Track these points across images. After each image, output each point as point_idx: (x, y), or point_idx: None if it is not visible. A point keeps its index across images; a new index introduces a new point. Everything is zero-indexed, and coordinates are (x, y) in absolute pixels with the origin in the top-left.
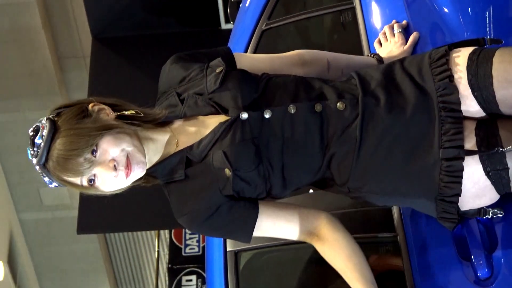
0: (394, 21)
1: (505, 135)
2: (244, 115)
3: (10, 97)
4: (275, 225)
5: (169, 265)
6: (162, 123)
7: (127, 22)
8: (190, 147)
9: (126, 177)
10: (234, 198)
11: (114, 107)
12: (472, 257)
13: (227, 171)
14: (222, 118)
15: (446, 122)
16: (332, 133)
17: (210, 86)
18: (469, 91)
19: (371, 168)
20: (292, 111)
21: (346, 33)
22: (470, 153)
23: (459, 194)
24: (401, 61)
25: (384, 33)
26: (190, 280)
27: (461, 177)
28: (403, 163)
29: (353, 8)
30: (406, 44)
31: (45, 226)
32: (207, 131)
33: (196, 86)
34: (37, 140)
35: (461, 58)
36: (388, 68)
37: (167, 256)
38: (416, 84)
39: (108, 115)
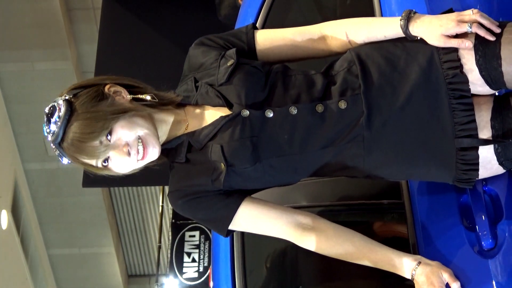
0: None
1: None
2: (246, 113)
3: (19, 47)
4: (261, 219)
5: (173, 220)
6: (178, 105)
7: None
8: (193, 133)
9: (142, 159)
10: (222, 191)
11: (129, 88)
12: (477, 227)
13: (222, 166)
14: (226, 111)
15: (458, 110)
16: (335, 133)
17: (219, 79)
18: (477, 71)
19: (382, 163)
20: (294, 112)
21: None
22: (485, 143)
23: (476, 178)
24: (402, 42)
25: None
26: (193, 236)
27: (478, 164)
28: (418, 154)
29: None
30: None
31: (49, 176)
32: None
33: (209, 75)
34: (53, 121)
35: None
36: (390, 49)
37: (170, 211)
38: (422, 70)
39: (124, 97)
